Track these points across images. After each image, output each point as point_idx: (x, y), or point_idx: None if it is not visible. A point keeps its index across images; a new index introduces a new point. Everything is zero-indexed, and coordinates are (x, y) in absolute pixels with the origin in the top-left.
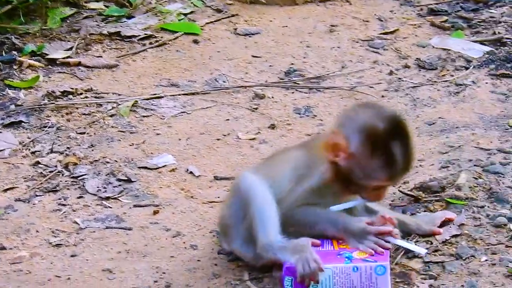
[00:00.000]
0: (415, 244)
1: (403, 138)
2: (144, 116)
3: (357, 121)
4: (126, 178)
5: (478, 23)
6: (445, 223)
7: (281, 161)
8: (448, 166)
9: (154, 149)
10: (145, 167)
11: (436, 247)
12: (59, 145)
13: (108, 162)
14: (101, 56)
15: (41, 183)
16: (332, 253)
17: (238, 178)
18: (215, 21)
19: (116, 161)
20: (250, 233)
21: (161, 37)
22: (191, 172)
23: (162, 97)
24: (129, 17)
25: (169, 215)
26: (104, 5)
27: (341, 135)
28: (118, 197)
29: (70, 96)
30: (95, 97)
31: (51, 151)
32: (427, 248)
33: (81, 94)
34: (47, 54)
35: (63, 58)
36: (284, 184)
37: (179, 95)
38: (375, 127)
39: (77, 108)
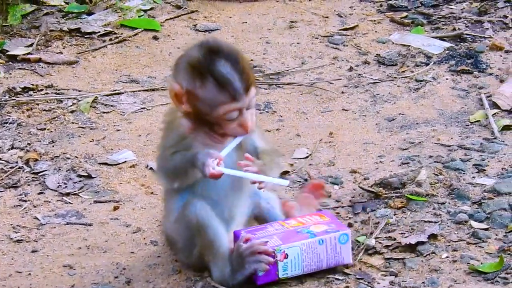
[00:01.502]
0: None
1: (224, 56)
2: (104, 112)
3: (180, 64)
4: (86, 174)
5: (438, 19)
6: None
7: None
8: (409, 162)
9: (114, 145)
10: (105, 163)
11: (397, 244)
12: (19, 141)
13: (68, 158)
14: (61, 53)
15: (2, 179)
16: (290, 232)
17: (185, 204)
18: (174, 17)
19: (76, 157)
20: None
21: (121, 34)
22: (151, 168)
23: (122, 93)
24: (89, 13)
25: (130, 211)
26: (64, 2)
27: (174, 83)
28: (79, 193)
29: (31, 92)
30: (56, 93)
31: (12, 147)
32: (387, 246)
33: (41, 90)
34: (7, 51)
35: (24, 54)
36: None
37: (139, 91)
38: (193, 58)
39: (37, 104)
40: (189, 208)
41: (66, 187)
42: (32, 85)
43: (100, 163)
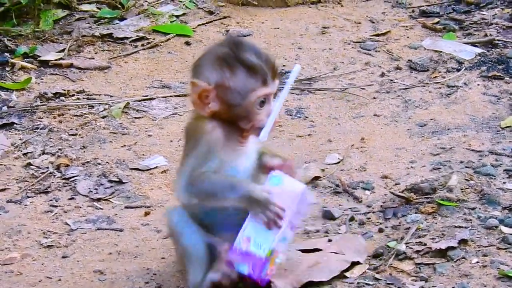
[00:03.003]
0: None
1: (249, 47)
2: (135, 118)
3: (203, 62)
4: (117, 180)
5: (469, 25)
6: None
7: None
8: (440, 168)
9: (145, 150)
10: (137, 169)
11: (427, 250)
12: (51, 146)
13: (99, 164)
14: (93, 58)
15: (33, 185)
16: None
17: (166, 212)
18: (206, 23)
19: (107, 162)
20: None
21: (153, 39)
22: None
23: (154, 98)
24: (121, 19)
25: (161, 216)
26: (96, 7)
27: (197, 81)
28: (110, 198)
29: (62, 98)
30: (87, 99)
31: (43, 153)
32: (417, 251)
33: (73, 95)
34: (39, 56)
35: (55, 60)
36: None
37: (171, 96)
38: (220, 52)
39: (69, 110)
40: (168, 216)
41: (97, 192)
42: (64, 90)
43: (131, 169)
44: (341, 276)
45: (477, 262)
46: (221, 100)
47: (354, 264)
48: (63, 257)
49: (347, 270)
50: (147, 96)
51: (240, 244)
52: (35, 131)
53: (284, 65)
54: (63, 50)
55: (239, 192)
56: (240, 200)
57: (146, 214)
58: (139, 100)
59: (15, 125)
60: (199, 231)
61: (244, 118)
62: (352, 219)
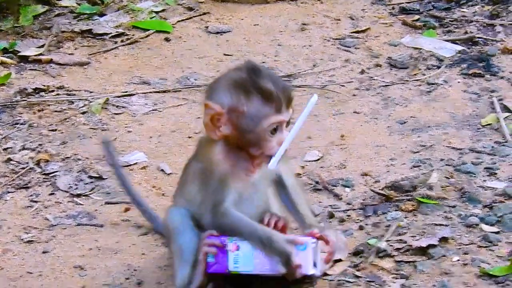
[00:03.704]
0: None
1: (266, 73)
2: (115, 114)
3: (218, 85)
4: (97, 175)
5: (449, 22)
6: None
7: (185, 181)
8: (420, 166)
9: (125, 146)
10: None
11: (408, 247)
12: (31, 142)
13: (79, 159)
14: (72, 54)
15: (13, 180)
16: None
17: (165, 213)
18: (186, 19)
19: (87, 158)
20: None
21: (133, 35)
22: (162, 170)
23: (134, 94)
24: (101, 15)
25: (137, 214)
26: (76, 3)
27: (211, 104)
28: (90, 194)
29: (42, 93)
30: (67, 95)
31: (23, 148)
32: (398, 249)
33: (52, 91)
34: (19, 51)
35: (35, 55)
36: (198, 199)
37: (151, 92)
38: (237, 76)
39: (48, 105)
40: (167, 213)
41: (77, 188)
42: (44, 86)
43: (111, 165)
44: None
45: (458, 260)
46: (233, 125)
47: (335, 261)
48: (44, 252)
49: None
50: (126, 92)
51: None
52: (15, 127)
53: (263, 62)
54: (42, 46)
55: (263, 239)
56: (260, 247)
57: (126, 210)
58: (119, 96)
59: None
60: (196, 234)
61: (255, 145)
62: (331, 216)
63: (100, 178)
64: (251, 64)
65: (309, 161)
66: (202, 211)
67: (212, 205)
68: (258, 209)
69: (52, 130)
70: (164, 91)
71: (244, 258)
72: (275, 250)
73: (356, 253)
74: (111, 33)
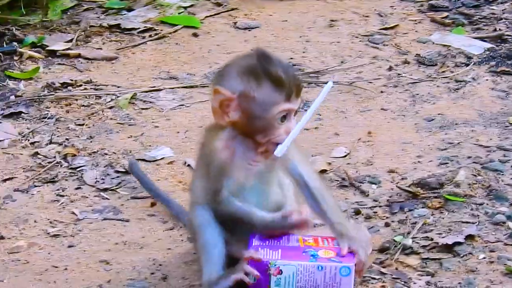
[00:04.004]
0: None
1: (278, 61)
2: (142, 109)
3: (229, 71)
4: (124, 170)
5: (479, 20)
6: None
7: (195, 174)
8: (447, 163)
9: (152, 141)
10: (143, 159)
11: (434, 244)
12: (58, 136)
13: (106, 154)
14: (100, 48)
15: (40, 174)
16: (297, 249)
17: (190, 209)
18: (214, 14)
19: (114, 153)
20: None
21: (161, 30)
22: (189, 165)
23: (161, 89)
24: (129, 9)
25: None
26: None
27: (221, 89)
28: (116, 188)
29: (70, 88)
30: (94, 89)
31: (50, 142)
32: (424, 246)
33: (80, 85)
34: (47, 46)
35: (63, 49)
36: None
37: (178, 88)
38: (248, 62)
39: (76, 100)
40: (192, 210)
41: (103, 182)
42: (71, 80)
43: (138, 159)
44: None
45: (484, 258)
46: (242, 111)
47: None
48: (70, 246)
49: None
50: (154, 87)
51: (271, 265)
52: (43, 121)
53: (291, 58)
54: (71, 40)
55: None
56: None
57: (152, 205)
58: (146, 91)
59: (22, 114)
60: (221, 231)
61: (262, 132)
62: (358, 212)
63: (126, 172)
64: (262, 51)
65: (336, 157)
66: (205, 201)
67: (212, 193)
68: (264, 200)
69: (79, 125)
70: (192, 87)
71: (286, 281)
72: (278, 226)
73: (382, 250)
74: (139, 28)
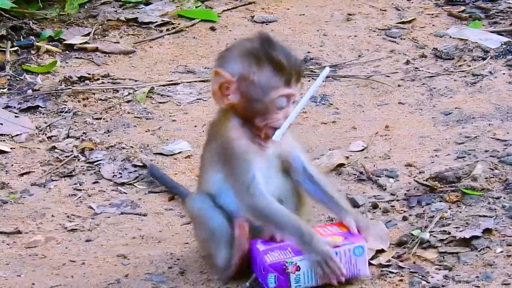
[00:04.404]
0: None
1: (279, 46)
2: (160, 103)
3: (231, 53)
4: (141, 164)
5: (495, 14)
6: None
7: (205, 166)
8: (464, 157)
9: (169, 135)
10: (161, 153)
11: (451, 238)
12: (75, 130)
13: (124, 148)
14: (118, 42)
15: (57, 168)
16: None
17: (189, 202)
18: (232, 8)
19: (132, 147)
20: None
21: (178, 24)
22: None
23: (179, 83)
24: (147, 3)
25: (185, 202)
26: None
27: (221, 71)
28: (134, 183)
29: (87, 82)
30: (112, 83)
31: (68, 136)
32: (441, 240)
33: (98, 79)
34: (64, 40)
35: (81, 43)
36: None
37: (195, 82)
38: (250, 46)
39: (93, 94)
40: (191, 201)
41: (121, 176)
42: (89, 74)
43: (155, 153)
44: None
45: (501, 251)
46: (242, 94)
47: (378, 251)
48: (87, 240)
49: (372, 258)
50: (171, 81)
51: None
52: (60, 115)
53: (309, 52)
54: (88, 34)
55: (304, 236)
56: (298, 242)
57: (170, 199)
58: (164, 85)
59: (40, 108)
60: (223, 214)
61: (261, 115)
62: (375, 206)
63: (144, 167)
64: (265, 35)
65: (354, 151)
66: (228, 194)
67: (240, 186)
68: (274, 186)
69: (97, 119)
70: (209, 80)
71: (305, 276)
72: (315, 250)
73: (400, 243)
74: (156, 22)
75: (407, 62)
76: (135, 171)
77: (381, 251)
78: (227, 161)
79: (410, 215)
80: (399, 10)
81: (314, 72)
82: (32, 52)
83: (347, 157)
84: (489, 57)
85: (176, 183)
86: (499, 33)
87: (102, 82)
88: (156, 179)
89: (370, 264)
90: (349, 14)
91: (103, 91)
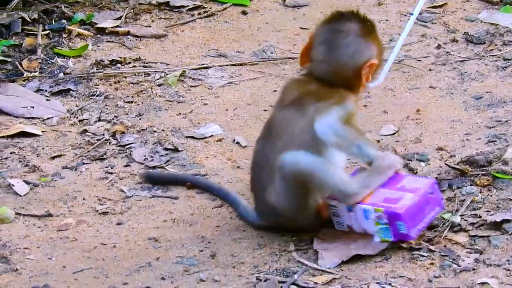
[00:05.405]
0: None
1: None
2: (191, 86)
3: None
4: (173, 148)
5: None
6: None
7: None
8: (495, 141)
9: (201, 119)
10: (192, 137)
11: (482, 222)
12: (106, 113)
13: (155, 131)
14: (149, 26)
15: (88, 151)
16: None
17: (280, 162)
18: None
19: (163, 130)
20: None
21: (210, 8)
22: (237, 143)
23: (210, 67)
24: None
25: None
26: None
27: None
28: (165, 166)
29: (118, 65)
30: (143, 67)
31: (99, 120)
32: (472, 223)
33: (129, 63)
34: (96, 23)
35: (112, 27)
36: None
37: (227, 65)
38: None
39: (125, 77)
40: (283, 163)
41: (152, 160)
42: (120, 58)
43: (186, 137)
44: (396, 247)
45: None
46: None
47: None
48: (118, 224)
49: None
50: (203, 64)
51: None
52: (91, 98)
53: None
54: (120, 18)
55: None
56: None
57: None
58: (195, 69)
59: (71, 91)
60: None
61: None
62: None
63: (175, 150)
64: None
65: (385, 135)
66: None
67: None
68: None
69: (128, 102)
70: (241, 64)
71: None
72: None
73: (431, 227)
74: (188, 5)
75: (438, 46)
76: (167, 154)
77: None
78: (349, 123)
79: (441, 198)
80: None
81: None
82: (64, 35)
83: (379, 141)
84: None
85: (179, 174)
86: None
87: (134, 66)
88: (157, 182)
89: (400, 248)
90: None
91: (135, 74)
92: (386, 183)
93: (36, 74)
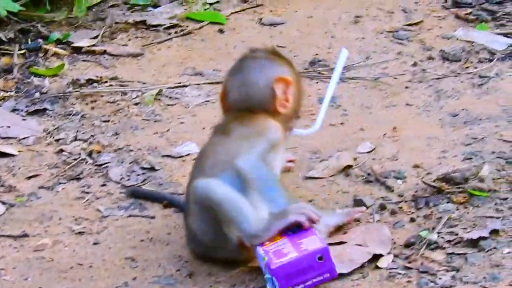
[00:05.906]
0: None
1: None
2: (168, 105)
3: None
4: (149, 167)
5: (502, 16)
6: None
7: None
8: (471, 158)
9: (178, 137)
10: (169, 156)
11: (459, 239)
12: (83, 132)
13: (132, 150)
14: (126, 45)
15: (65, 171)
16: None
17: (193, 188)
18: (240, 10)
19: (140, 149)
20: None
21: (186, 26)
22: None
23: (187, 86)
24: (155, 6)
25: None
26: None
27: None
28: (142, 185)
29: (95, 84)
30: (120, 85)
31: (75, 139)
32: (449, 241)
33: (106, 82)
34: (72, 42)
35: (89, 46)
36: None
37: (204, 84)
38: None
39: (101, 96)
40: (207, 183)
41: (129, 179)
42: (97, 77)
43: (163, 156)
44: (373, 266)
45: (509, 252)
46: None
47: (377, 256)
48: (95, 243)
49: (372, 260)
50: (180, 83)
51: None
52: (68, 117)
53: (316, 54)
54: (96, 37)
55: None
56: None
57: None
58: (172, 87)
59: (47, 111)
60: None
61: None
62: (383, 207)
63: (152, 169)
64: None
65: (361, 152)
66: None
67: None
68: None
69: (105, 121)
70: (218, 83)
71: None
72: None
73: (408, 245)
74: (164, 24)
75: (415, 64)
76: (143, 173)
77: (380, 255)
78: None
79: (418, 216)
80: (406, 12)
81: (322, 74)
82: (40, 55)
83: (355, 159)
84: (496, 59)
85: (162, 192)
86: (505, 35)
87: (110, 85)
88: (141, 198)
89: (376, 267)
90: (357, 16)
91: (111, 93)
92: (296, 235)
93: (12, 93)
